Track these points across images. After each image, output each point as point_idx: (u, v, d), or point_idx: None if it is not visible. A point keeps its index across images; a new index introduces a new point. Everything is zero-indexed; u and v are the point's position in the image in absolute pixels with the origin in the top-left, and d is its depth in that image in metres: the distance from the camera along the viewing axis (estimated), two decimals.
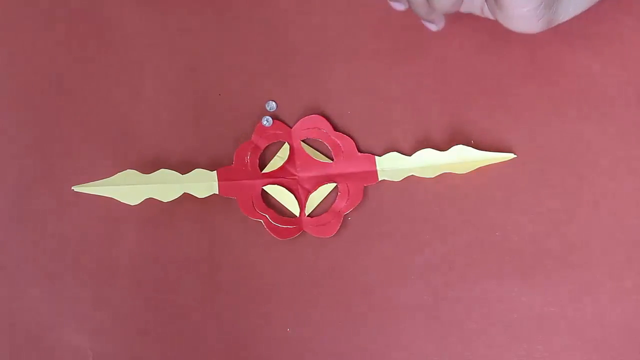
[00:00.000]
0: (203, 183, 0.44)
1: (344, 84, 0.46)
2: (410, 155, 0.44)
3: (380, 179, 0.44)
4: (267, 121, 0.45)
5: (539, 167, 0.44)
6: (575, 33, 0.46)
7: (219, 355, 0.43)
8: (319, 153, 0.45)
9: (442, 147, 0.44)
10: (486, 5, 0.41)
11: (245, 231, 0.44)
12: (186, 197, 0.44)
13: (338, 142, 0.45)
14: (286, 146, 0.45)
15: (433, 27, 0.42)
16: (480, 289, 0.43)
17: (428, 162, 0.44)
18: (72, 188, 0.43)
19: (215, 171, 0.44)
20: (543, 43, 0.46)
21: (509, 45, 0.46)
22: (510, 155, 0.44)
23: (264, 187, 0.44)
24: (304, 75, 0.46)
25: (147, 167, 0.45)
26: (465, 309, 0.43)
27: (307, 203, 0.44)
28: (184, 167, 0.45)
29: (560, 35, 0.46)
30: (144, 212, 0.44)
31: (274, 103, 0.45)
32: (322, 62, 0.46)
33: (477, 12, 0.43)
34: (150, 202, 0.44)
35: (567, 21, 0.41)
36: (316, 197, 0.44)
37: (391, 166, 0.44)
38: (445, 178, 0.44)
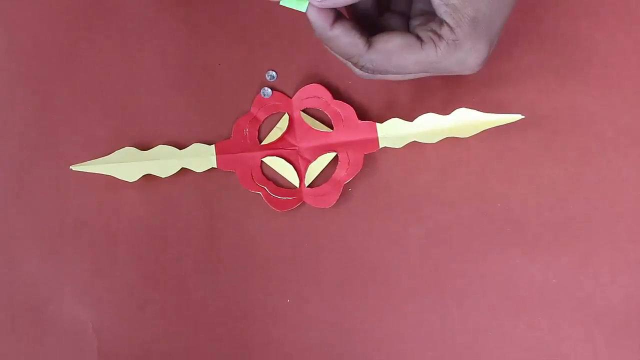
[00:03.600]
0: (201, 157, 0.44)
1: None
2: (411, 121, 0.43)
3: (381, 146, 0.43)
4: (265, 93, 0.45)
5: (542, 137, 0.44)
6: (578, 2, 0.45)
7: (219, 326, 0.43)
8: (318, 122, 0.44)
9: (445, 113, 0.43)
10: None
11: (246, 203, 0.44)
12: (186, 169, 0.43)
13: (338, 110, 0.44)
14: (285, 117, 0.44)
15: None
16: (481, 261, 0.43)
17: (430, 126, 0.43)
18: (70, 167, 0.43)
19: (214, 145, 0.44)
20: (545, 13, 0.45)
21: (512, 14, 0.45)
22: (517, 117, 0.42)
23: (263, 159, 0.44)
24: (304, 44, 0.45)
25: (145, 139, 0.45)
26: (466, 280, 0.43)
27: (306, 173, 0.44)
28: (182, 139, 0.44)
29: (563, 5, 0.45)
30: (144, 184, 0.44)
31: (274, 72, 0.45)
32: None
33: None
34: (150, 175, 0.43)
35: None
36: (316, 167, 0.44)
37: (392, 133, 0.43)
38: (446, 149, 0.43)
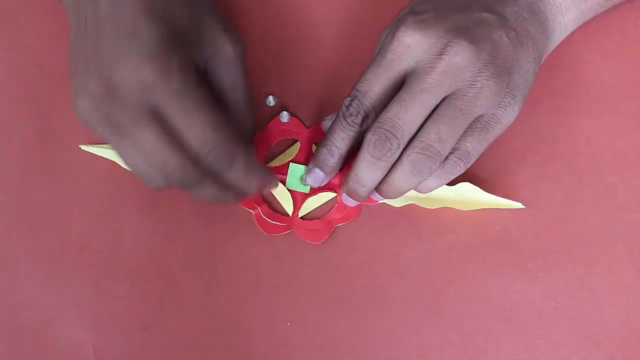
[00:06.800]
0: None
1: None
2: None
3: (379, 202, 0.43)
4: (283, 117, 0.44)
5: (539, 161, 0.44)
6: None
7: (220, 349, 0.43)
8: None
9: None
10: None
11: (246, 226, 0.44)
12: None
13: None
14: (297, 145, 0.44)
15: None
16: (480, 284, 0.43)
17: (432, 193, 0.42)
18: (80, 146, 0.44)
19: None
20: None
21: None
22: (518, 205, 0.42)
23: None
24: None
25: None
26: (465, 303, 0.43)
27: (302, 205, 0.44)
28: None
29: None
30: (145, 205, 0.44)
31: (271, 97, 0.44)
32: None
33: None
34: (150, 194, 0.44)
35: None
36: (313, 202, 0.44)
37: None
38: None
